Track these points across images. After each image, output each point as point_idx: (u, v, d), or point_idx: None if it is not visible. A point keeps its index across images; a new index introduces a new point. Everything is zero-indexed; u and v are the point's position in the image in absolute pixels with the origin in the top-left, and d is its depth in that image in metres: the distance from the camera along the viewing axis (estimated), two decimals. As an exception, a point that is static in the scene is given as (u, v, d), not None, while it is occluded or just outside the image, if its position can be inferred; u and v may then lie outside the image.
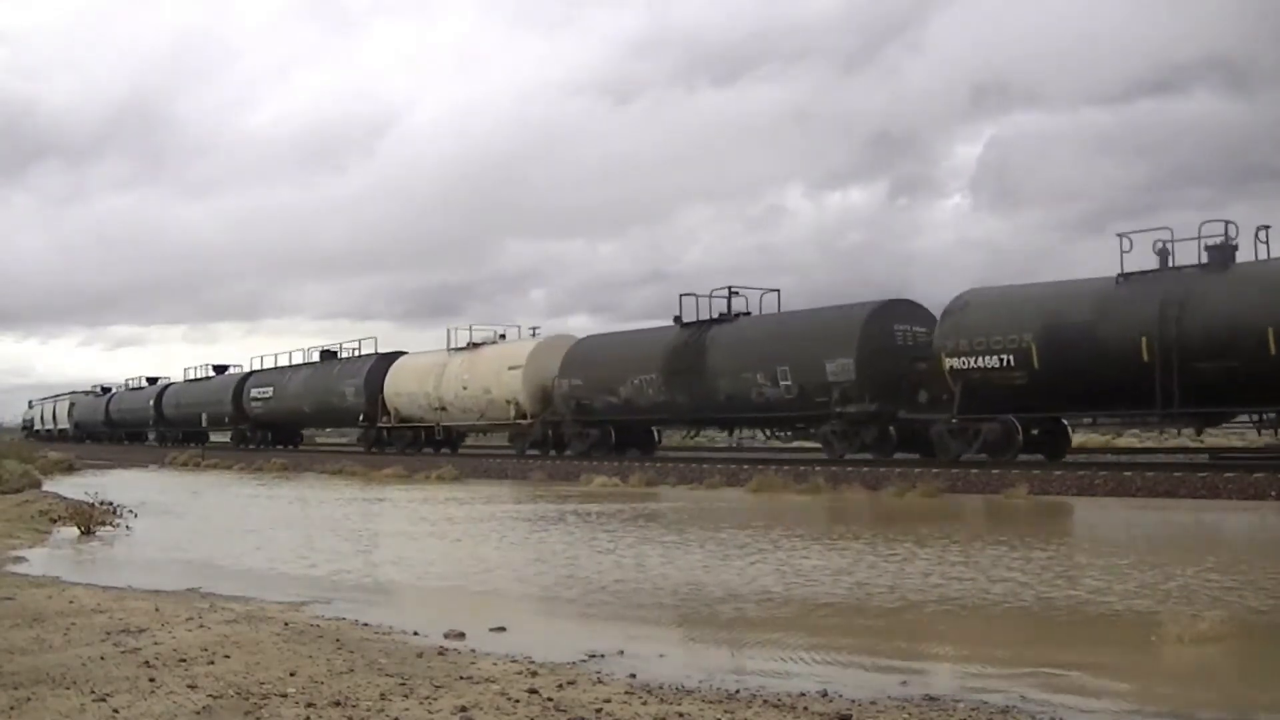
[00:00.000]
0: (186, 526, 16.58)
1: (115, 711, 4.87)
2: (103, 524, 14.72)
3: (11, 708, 4.96)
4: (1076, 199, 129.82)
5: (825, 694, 5.40)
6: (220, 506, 20.86)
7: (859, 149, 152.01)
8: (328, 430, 57.84)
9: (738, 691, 5.43)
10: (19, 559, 11.76)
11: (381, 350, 42.86)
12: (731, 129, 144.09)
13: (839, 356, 23.50)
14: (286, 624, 7.23)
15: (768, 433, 27.79)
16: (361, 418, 40.19)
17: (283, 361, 49.66)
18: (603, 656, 6.43)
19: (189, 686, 5.32)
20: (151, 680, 5.45)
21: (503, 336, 35.69)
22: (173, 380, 60.46)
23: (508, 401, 32.64)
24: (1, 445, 37.45)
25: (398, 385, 37.84)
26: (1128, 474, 17.58)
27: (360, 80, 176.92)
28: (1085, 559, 10.52)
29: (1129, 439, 36.07)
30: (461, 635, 7.03)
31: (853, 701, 5.21)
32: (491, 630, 7.32)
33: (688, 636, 7.43)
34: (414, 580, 10.13)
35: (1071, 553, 11.13)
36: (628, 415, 28.94)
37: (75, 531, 14.17)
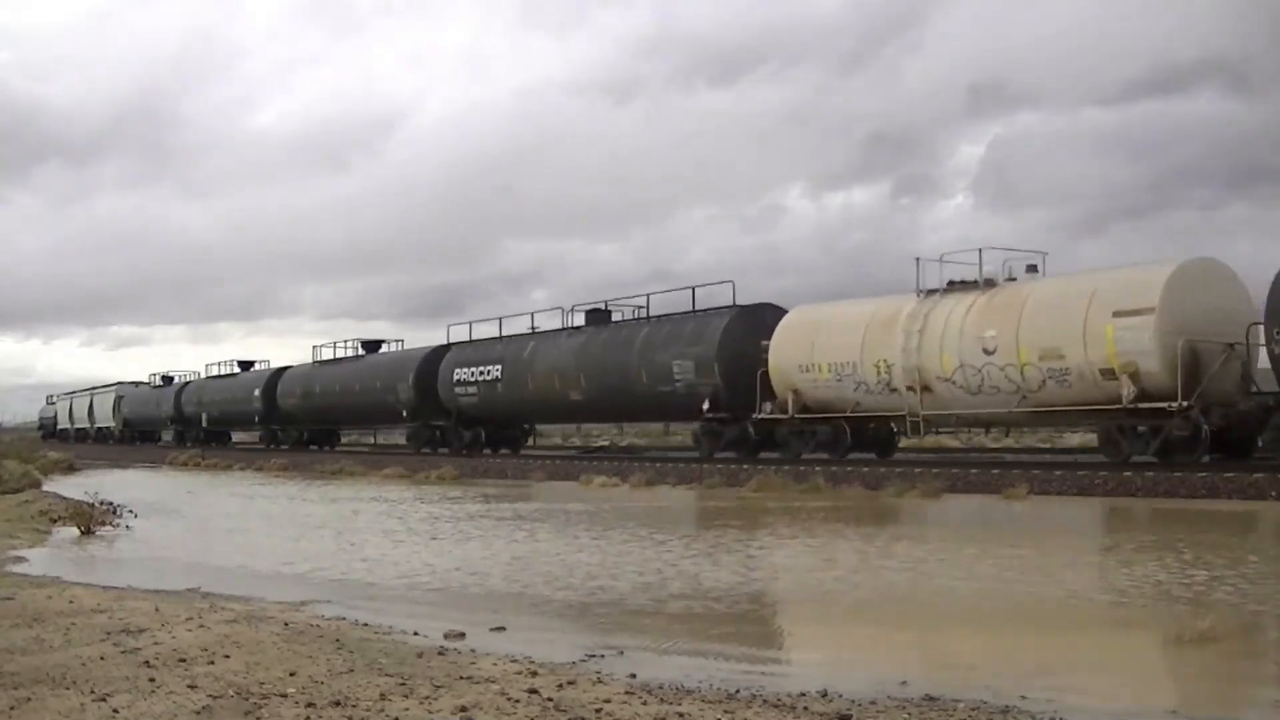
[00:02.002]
0: (186, 526, 16.58)
1: (115, 711, 4.87)
2: (103, 524, 14.72)
3: (11, 708, 4.95)
4: (1078, 199, 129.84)
5: (825, 694, 5.40)
6: (220, 506, 20.86)
7: (859, 149, 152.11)
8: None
9: (738, 691, 5.43)
10: (19, 559, 11.76)
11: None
12: (733, 129, 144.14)
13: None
14: (286, 624, 7.23)
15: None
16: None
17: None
18: (603, 656, 6.43)
19: (189, 686, 5.31)
20: (151, 680, 5.45)
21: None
22: (286, 365, 49.52)
23: (1104, 372, 18.66)
24: (2, 445, 37.47)
25: (799, 351, 23.83)
26: (1128, 474, 17.56)
27: (365, 81, 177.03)
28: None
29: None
30: (461, 635, 7.03)
31: (853, 701, 5.20)
32: (491, 630, 7.32)
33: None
34: (414, 580, 10.12)
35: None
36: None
37: (75, 531, 14.18)
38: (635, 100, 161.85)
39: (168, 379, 63.40)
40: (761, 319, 25.79)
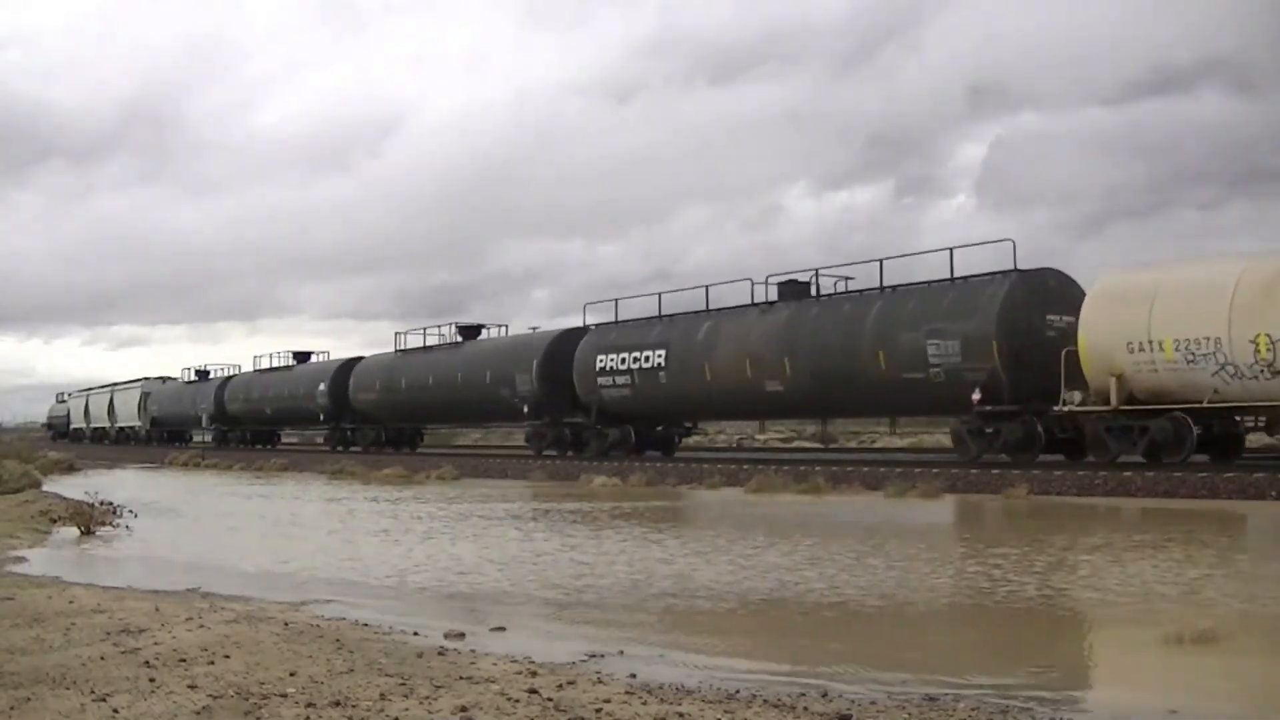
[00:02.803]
0: (186, 526, 16.57)
1: (115, 711, 4.87)
2: (103, 524, 14.72)
3: (11, 708, 4.95)
4: (1080, 199, 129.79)
5: (825, 694, 5.40)
6: (220, 506, 20.86)
7: (860, 149, 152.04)
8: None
9: (738, 691, 5.43)
10: (19, 559, 11.76)
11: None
12: (733, 129, 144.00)
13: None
14: (286, 624, 7.23)
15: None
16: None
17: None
18: (603, 656, 6.43)
19: (189, 686, 5.31)
20: (151, 680, 5.45)
21: None
22: (357, 355, 43.95)
23: None
24: (3, 445, 37.47)
25: (1128, 325, 18.71)
26: (1127, 474, 17.56)
27: (368, 81, 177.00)
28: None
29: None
30: (461, 635, 7.03)
31: (852, 701, 5.21)
32: (491, 630, 7.32)
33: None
34: (413, 579, 10.11)
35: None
36: None
37: (75, 531, 14.17)
38: (636, 100, 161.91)
39: (203, 373, 57.57)
40: (1045, 286, 21.05)
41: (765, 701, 5.17)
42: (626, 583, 9.46)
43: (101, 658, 6.02)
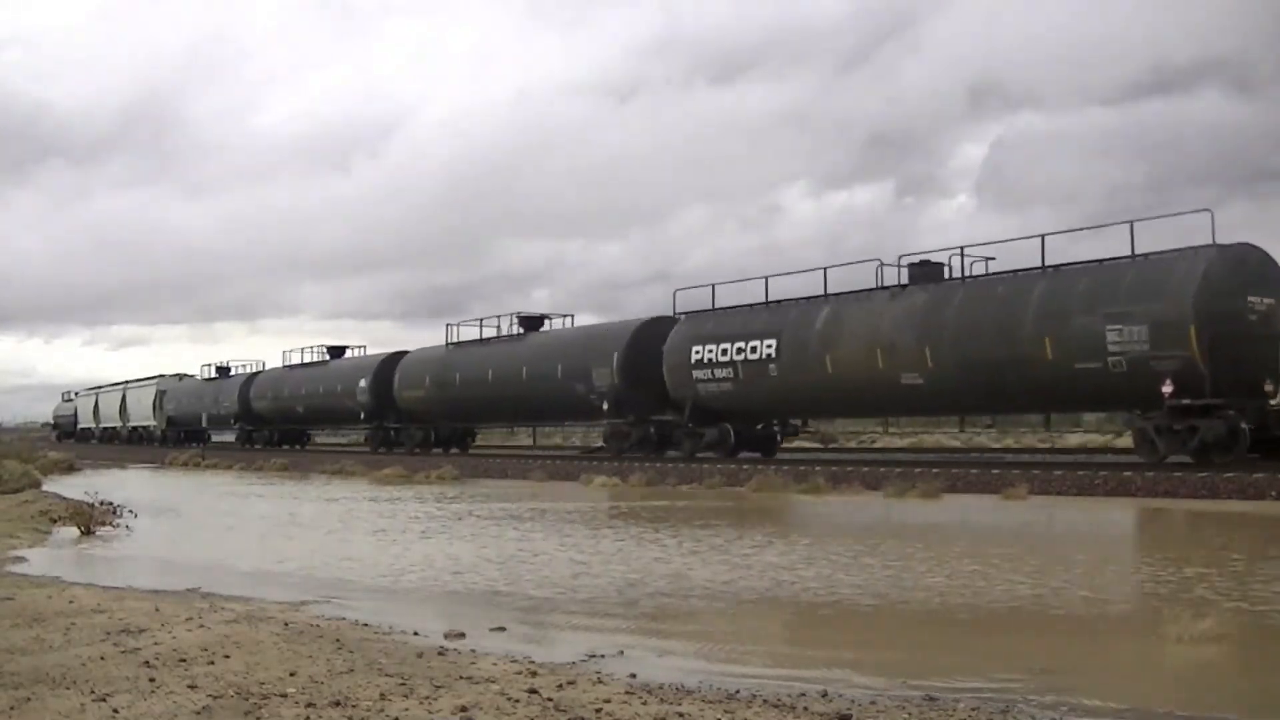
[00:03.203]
0: (186, 526, 16.57)
1: (115, 711, 4.87)
2: (102, 524, 14.72)
3: (11, 708, 4.95)
4: (1081, 199, 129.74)
5: (825, 694, 5.40)
6: (220, 506, 20.85)
7: (860, 149, 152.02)
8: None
9: (738, 692, 5.43)
10: (19, 559, 11.76)
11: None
12: (734, 129, 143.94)
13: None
14: (286, 624, 7.23)
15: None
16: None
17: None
18: (603, 656, 6.43)
19: (189, 686, 5.32)
20: (151, 680, 5.45)
21: None
22: (400, 350, 40.29)
23: None
24: (3, 445, 37.48)
25: None
26: (1128, 474, 17.56)
27: (370, 81, 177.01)
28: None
29: (1128, 439, 36.04)
30: (461, 635, 7.03)
31: (852, 701, 5.21)
32: (491, 630, 7.32)
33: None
34: (413, 579, 10.11)
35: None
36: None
37: (75, 531, 14.17)
38: (636, 100, 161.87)
39: (224, 369, 54.89)
40: (1245, 263, 18.81)
41: (765, 701, 5.17)
42: (622, 582, 9.46)
43: (101, 658, 6.02)
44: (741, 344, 25.22)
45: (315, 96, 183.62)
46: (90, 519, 14.48)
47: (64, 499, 18.68)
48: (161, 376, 61.32)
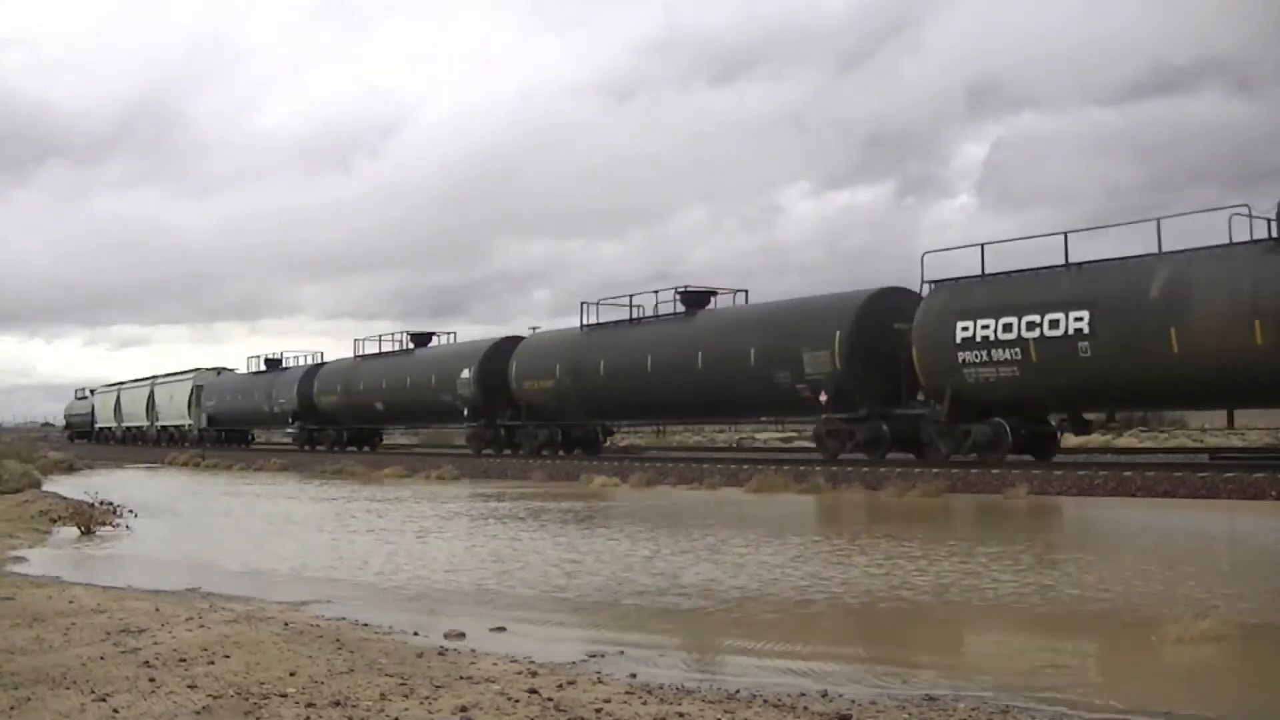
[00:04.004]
0: (186, 526, 16.56)
1: (115, 711, 4.87)
2: (103, 524, 14.72)
3: (11, 708, 4.96)
4: (1080, 199, 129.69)
5: (825, 694, 5.41)
6: (219, 506, 20.85)
7: (860, 149, 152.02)
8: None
9: (738, 691, 5.43)
10: (19, 559, 11.76)
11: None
12: (734, 129, 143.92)
13: None
14: (286, 624, 7.23)
15: None
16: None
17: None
18: (603, 656, 6.43)
19: (189, 686, 5.32)
20: (151, 680, 5.45)
21: None
22: (513, 335, 34.98)
23: None
24: (3, 445, 37.49)
25: None
26: (1128, 474, 17.55)
27: (371, 81, 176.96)
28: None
29: (1129, 439, 36.12)
30: (461, 635, 7.04)
31: (852, 701, 5.21)
32: (491, 630, 7.32)
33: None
34: (413, 579, 10.12)
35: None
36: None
37: (75, 531, 14.17)
38: (636, 100, 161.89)
39: (274, 361, 50.08)
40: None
41: (765, 701, 5.17)
42: (621, 581, 9.46)
43: (101, 658, 6.03)
44: (1035, 317, 19.71)
45: (316, 96, 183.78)
46: (90, 519, 14.48)
47: (64, 499, 18.69)
48: (198, 370, 55.83)
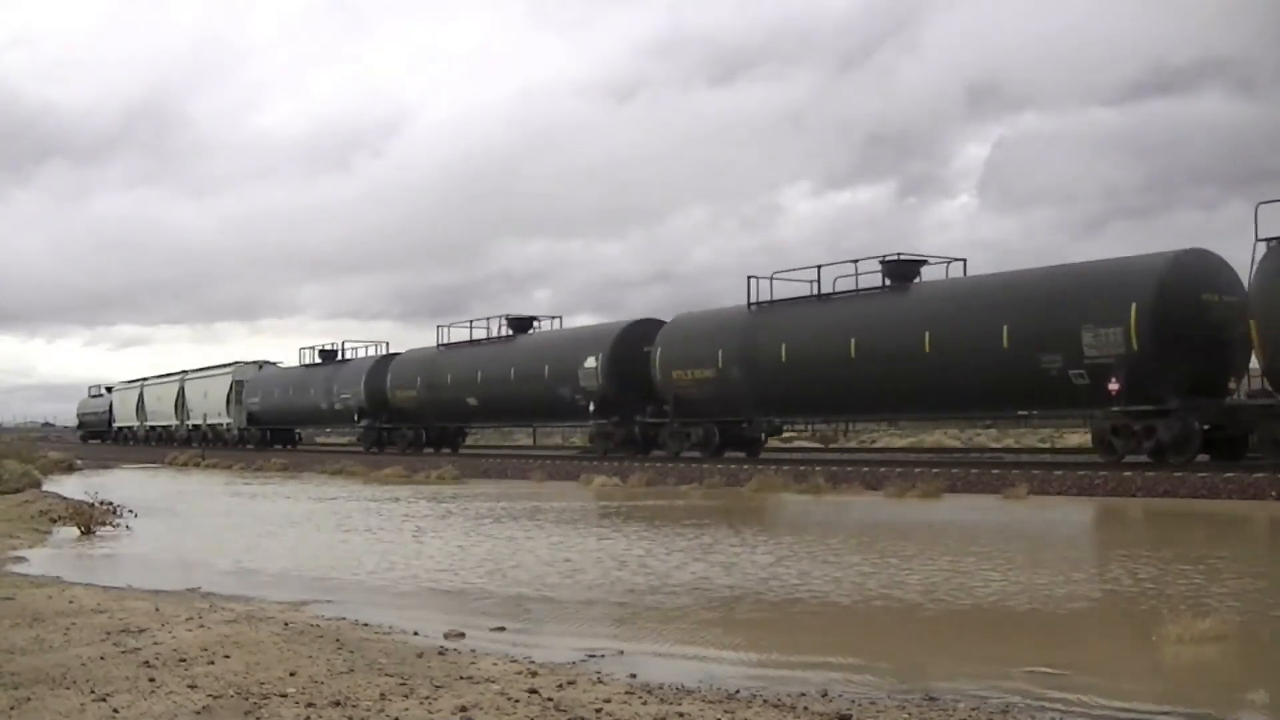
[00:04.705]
0: (186, 526, 16.56)
1: (115, 711, 4.87)
2: (103, 524, 14.72)
3: (11, 708, 4.95)
4: (1080, 200, 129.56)
5: (825, 694, 5.40)
6: (219, 506, 20.85)
7: (861, 149, 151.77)
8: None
9: (738, 691, 5.43)
10: (19, 559, 11.76)
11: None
12: (734, 129, 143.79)
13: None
14: (286, 624, 7.23)
15: None
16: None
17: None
18: (603, 656, 6.43)
19: (189, 686, 5.32)
20: (151, 680, 5.45)
21: None
22: (649, 318, 30.34)
23: None
24: (3, 445, 37.46)
25: None
26: (1128, 474, 17.55)
27: (372, 81, 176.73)
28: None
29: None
30: (461, 635, 7.03)
31: (852, 701, 5.21)
32: (491, 630, 7.32)
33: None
34: (412, 579, 10.12)
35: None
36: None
37: (75, 531, 14.17)
38: (636, 100, 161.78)
39: (329, 353, 45.21)
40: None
41: (765, 701, 5.17)
42: (622, 581, 9.46)
43: (101, 658, 6.02)
44: None
45: (317, 96, 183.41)
46: (90, 519, 14.47)
47: (64, 499, 18.68)
48: (237, 363, 51.77)
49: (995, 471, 19.35)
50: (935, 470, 19.86)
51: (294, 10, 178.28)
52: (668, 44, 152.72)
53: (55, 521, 15.31)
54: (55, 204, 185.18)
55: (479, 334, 36.46)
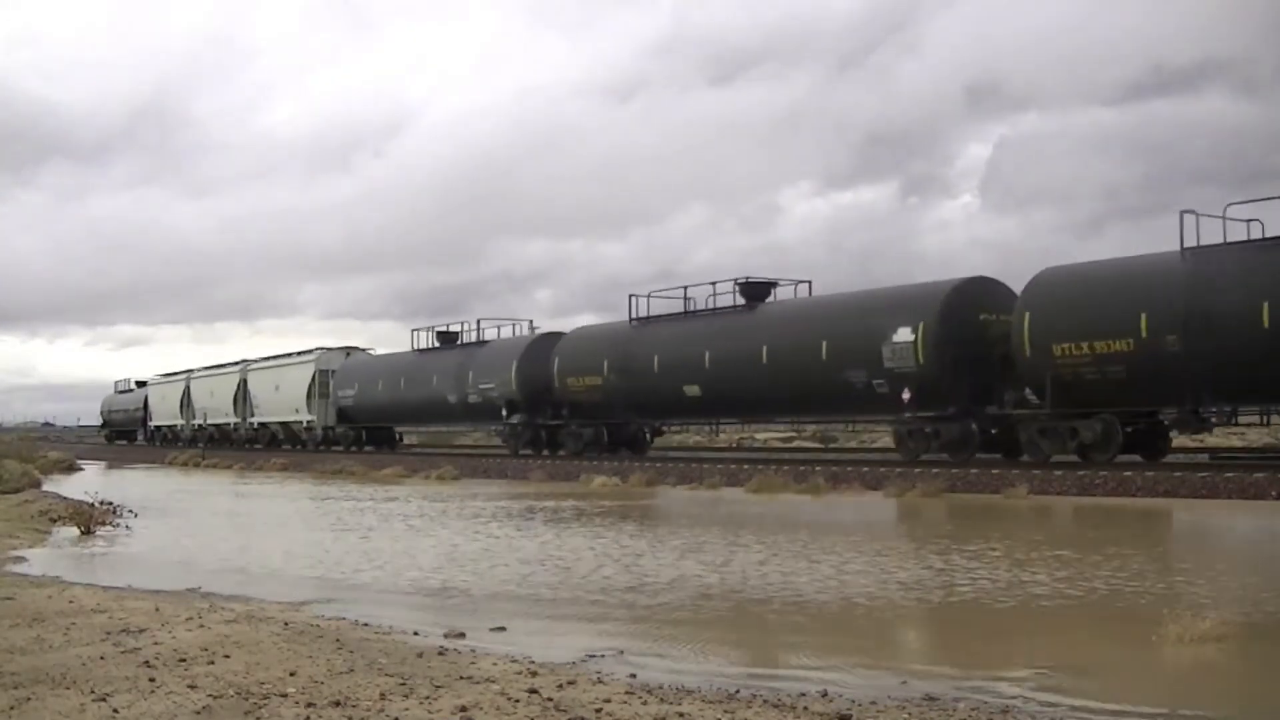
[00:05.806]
0: (186, 526, 16.56)
1: (115, 711, 4.87)
2: (102, 524, 14.71)
3: (11, 708, 4.95)
4: (1080, 200, 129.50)
5: (825, 694, 5.40)
6: (219, 506, 20.85)
7: (862, 149, 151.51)
8: None
9: (738, 691, 5.43)
10: (19, 559, 11.75)
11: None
12: (734, 129, 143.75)
13: None
14: (286, 624, 7.22)
15: None
16: None
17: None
18: (603, 656, 6.43)
19: (189, 686, 5.31)
20: (151, 680, 5.45)
21: None
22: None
23: None
24: (3, 445, 37.46)
25: None
26: (1128, 474, 17.55)
27: (375, 82, 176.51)
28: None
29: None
30: (461, 635, 7.03)
31: (853, 701, 5.21)
32: (491, 630, 7.32)
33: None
34: (413, 579, 10.12)
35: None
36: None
37: (75, 531, 14.17)
38: (636, 100, 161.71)
39: (448, 335, 37.03)
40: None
41: (765, 701, 5.17)
42: (623, 582, 9.46)
43: (101, 658, 6.02)
44: None
45: (320, 97, 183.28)
46: (90, 519, 14.47)
47: (64, 499, 18.68)
48: (322, 349, 43.05)
49: (995, 471, 19.34)
50: (935, 471, 19.85)
51: (297, 12, 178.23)
52: (668, 44, 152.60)
53: (55, 521, 15.31)
54: (56, 204, 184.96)
55: (664, 308, 29.26)
